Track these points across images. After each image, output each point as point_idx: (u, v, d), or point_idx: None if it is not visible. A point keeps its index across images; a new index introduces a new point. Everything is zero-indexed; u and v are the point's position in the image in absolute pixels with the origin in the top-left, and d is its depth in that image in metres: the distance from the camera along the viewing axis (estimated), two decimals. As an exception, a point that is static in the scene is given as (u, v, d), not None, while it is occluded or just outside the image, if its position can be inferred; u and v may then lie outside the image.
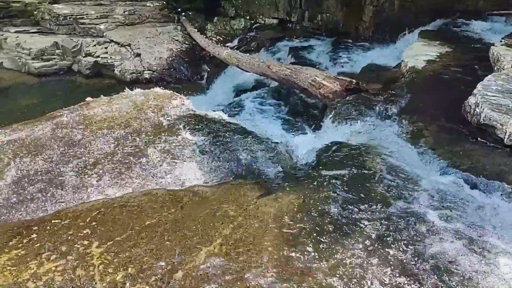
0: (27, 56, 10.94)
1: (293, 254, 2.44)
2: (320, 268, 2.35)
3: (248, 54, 8.50)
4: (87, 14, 11.88)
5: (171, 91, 5.08)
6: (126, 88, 5.13)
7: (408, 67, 5.43)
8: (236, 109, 6.83)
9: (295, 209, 2.85)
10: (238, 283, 2.25)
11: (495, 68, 4.68)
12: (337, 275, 2.30)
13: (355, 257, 2.43)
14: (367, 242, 2.53)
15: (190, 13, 12.45)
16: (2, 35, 11.44)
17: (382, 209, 2.81)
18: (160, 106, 4.56)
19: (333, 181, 3.14)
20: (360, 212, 2.78)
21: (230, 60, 8.56)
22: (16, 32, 11.50)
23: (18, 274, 2.37)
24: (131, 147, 3.72)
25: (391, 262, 2.39)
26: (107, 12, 12.13)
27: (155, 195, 3.04)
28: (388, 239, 2.55)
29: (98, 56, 10.90)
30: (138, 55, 10.62)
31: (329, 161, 3.52)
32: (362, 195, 2.96)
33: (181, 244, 2.53)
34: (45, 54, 10.97)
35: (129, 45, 10.82)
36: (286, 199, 2.96)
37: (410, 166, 3.36)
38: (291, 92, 6.86)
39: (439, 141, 3.72)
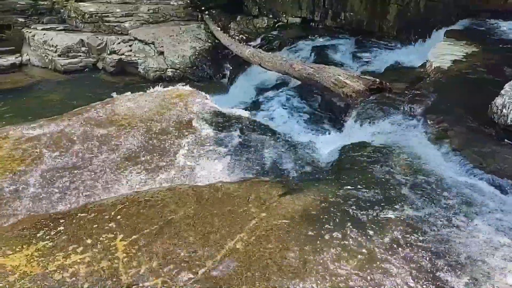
0: (53, 53, 11.15)
1: (315, 252, 2.45)
2: (342, 267, 2.34)
3: (270, 53, 8.49)
4: (112, 12, 12.03)
5: (194, 89, 5.14)
6: (151, 86, 5.20)
7: (433, 67, 5.35)
8: (258, 108, 6.82)
9: (317, 207, 2.84)
10: (260, 279, 2.26)
11: (524, 69, 4.58)
12: (360, 275, 2.29)
13: (378, 257, 2.41)
14: (391, 243, 2.51)
15: (214, 12, 12.50)
16: (30, 32, 11.67)
17: (406, 210, 2.79)
18: (183, 103, 4.61)
19: (356, 180, 3.12)
20: (383, 212, 2.76)
21: (253, 58, 8.57)
22: (43, 29, 11.71)
23: (46, 265, 2.43)
24: (155, 143, 3.77)
25: (414, 263, 2.37)
26: (131, 10, 12.26)
27: (178, 190, 3.08)
28: (411, 239, 2.53)
29: (122, 54, 11.02)
30: (162, 53, 10.72)
31: (352, 161, 3.50)
32: (385, 195, 2.94)
33: (204, 239, 2.56)
34: (71, 51, 11.16)
35: (153, 43, 10.91)
36: (308, 198, 2.96)
37: (435, 166, 3.31)
38: (313, 91, 6.83)
39: (464, 142, 3.66)
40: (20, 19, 12.24)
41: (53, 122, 4.13)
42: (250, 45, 9.96)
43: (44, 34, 11.48)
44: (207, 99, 4.90)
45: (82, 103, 4.98)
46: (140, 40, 11.09)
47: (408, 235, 2.57)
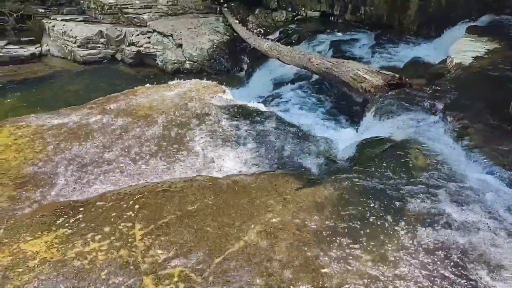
0: (73, 44, 11.27)
1: (333, 246, 2.44)
2: (360, 260, 2.34)
3: (289, 47, 8.44)
4: (131, 4, 12.10)
5: (213, 82, 5.15)
6: (169, 78, 5.23)
7: (454, 63, 5.27)
8: (275, 102, 6.80)
9: (334, 201, 2.83)
10: (276, 270, 2.27)
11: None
12: (379, 269, 2.28)
13: (396, 251, 2.40)
14: (409, 238, 2.49)
15: (232, 4, 12.50)
16: (50, 23, 11.81)
17: (424, 206, 2.76)
18: (202, 96, 4.62)
19: (374, 175, 3.10)
20: (401, 208, 2.74)
21: (271, 52, 8.54)
22: (63, 20, 11.83)
23: (65, 252, 2.47)
24: (174, 134, 3.80)
25: (432, 259, 2.35)
26: (150, 2, 12.31)
27: (196, 181, 3.09)
28: (431, 236, 2.51)
29: (141, 46, 11.09)
30: (180, 45, 10.74)
31: (370, 156, 3.47)
32: (403, 191, 2.92)
33: (221, 230, 2.57)
34: (90, 42, 11.27)
35: (172, 35, 10.94)
36: (325, 191, 2.95)
37: (454, 163, 3.27)
38: (331, 85, 6.79)
39: (484, 139, 3.61)
40: (40, 10, 12.42)
41: (74, 111, 4.19)
42: (268, 39, 9.93)
43: (64, 25, 11.61)
44: (225, 92, 4.91)
45: (101, 93, 5.02)
46: (158, 32, 11.14)
47: (427, 230, 2.54)
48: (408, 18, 9.12)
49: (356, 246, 2.45)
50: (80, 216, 2.78)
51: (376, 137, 3.82)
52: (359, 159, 3.47)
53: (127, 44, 11.24)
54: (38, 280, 2.26)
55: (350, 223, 2.62)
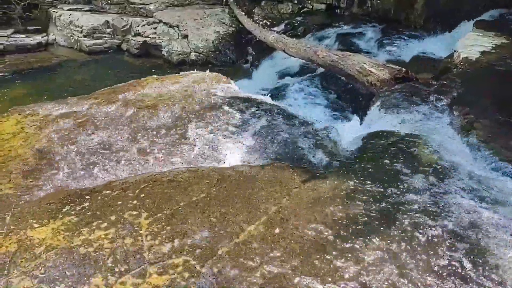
0: (79, 34, 11.28)
1: (338, 240, 2.45)
2: (364, 252, 2.35)
3: (294, 39, 8.42)
4: (138, -6, 12.10)
5: (218, 73, 5.16)
6: (175, 69, 5.24)
7: (461, 58, 5.25)
8: (280, 94, 6.81)
9: (339, 195, 2.84)
10: (281, 264, 2.28)
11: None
12: (385, 264, 2.29)
13: (402, 247, 2.41)
14: (414, 232, 2.50)
15: (238, -4, 12.46)
16: (57, 12, 11.81)
17: (429, 201, 2.76)
18: (207, 87, 4.63)
19: (380, 169, 3.11)
20: (407, 203, 2.75)
21: (277, 44, 8.52)
22: (69, 10, 11.83)
23: (71, 239, 2.49)
24: (180, 125, 3.81)
25: (435, 256, 2.36)
26: (157, -7, 12.31)
27: (201, 172, 3.11)
28: (434, 231, 2.51)
29: (147, 36, 11.08)
30: (186, 36, 10.73)
31: (375, 150, 3.48)
32: (408, 185, 2.92)
33: (226, 220, 2.59)
34: (96, 32, 11.27)
35: (178, 26, 10.93)
36: (330, 185, 2.96)
37: (460, 158, 3.27)
38: (337, 79, 6.77)
39: (491, 135, 3.60)
40: (47, -1, 12.42)
41: (80, 101, 4.21)
42: (274, 31, 9.90)
43: (70, 14, 11.61)
44: (230, 83, 4.92)
45: (107, 83, 5.04)
46: (164, 23, 11.12)
47: (431, 226, 2.55)
48: (415, 12, 9.08)
49: (360, 240, 2.46)
50: (86, 204, 2.80)
51: (382, 130, 3.82)
52: (364, 153, 3.48)
53: (133, 35, 11.24)
54: (44, 267, 2.29)
55: (355, 217, 2.63)
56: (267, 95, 5.52)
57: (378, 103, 4.51)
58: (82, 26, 11.21)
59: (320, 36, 9.69)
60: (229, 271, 2.23)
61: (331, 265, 2.27)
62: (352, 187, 2.92)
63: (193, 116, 3.98)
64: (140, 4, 11.91)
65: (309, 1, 11.50)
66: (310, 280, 2.18)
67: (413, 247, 2.39)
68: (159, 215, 2.65)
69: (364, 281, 2.17)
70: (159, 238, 2.46)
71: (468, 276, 2.21)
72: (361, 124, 4.63)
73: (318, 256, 2.32)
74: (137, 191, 2.88)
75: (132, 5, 11.91)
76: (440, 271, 2.24)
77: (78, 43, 11.30)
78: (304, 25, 10.53)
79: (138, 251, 2.38)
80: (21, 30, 11.54)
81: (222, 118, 3.99)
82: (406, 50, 7.75)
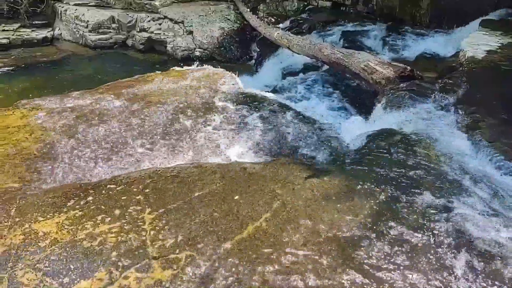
0: (84, 29, 11.29)
1: (342, 237, 2.46)
2: (369, 252, 2.36)
3: (299, 36, 8.40)
4: (144, -10, 12.09)
5: (222, 70, 5.16)
6: (179, 65, 5.25)
7: (467, 57, 5.22)
8: (285, 91, 6.78)
9: (342, 192, 2.84)
10: (283, 259, 2.29)
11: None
12: (390, 262, 2.30)
13: (405, 244, 2.41)
14: (417, 231, 2.50)
15: (243, -8, 12.44)
16: (62, 7, 11.82)
17: (432, 200, 2.76)
18: (212, 83, 4.64)
19: (384, 167, 3.10)
20: (411, 200, 2.75)
21: (281, 41, 8.50)
22: (75, 4, 11.84)
23: (75, 233, 2.50)
24: (184, 121, 3.82)
25: (436, 256, 2.36)
26: (162, -12, 12.29)
27: (205, 168, 3.12)
28: (437, 230, 2.51)
29: (152, 32, 11.07)
30: (191, 32, 10.72)
31: (379, 148, 3.47)
32: (412, 183, 2.92)
33: (229, 215, 2.60)
34: (102, 27, 11.27)
35: (182, 22, 10.92)
36: (333, 182, 2.96)
37: (464, 157, 3.27)
38: (341, 76, 6.76)
39: (496, 134, 3.59)
40: (54, -7, 12.42)
41: (86, 95, 4.22)
42: (278, 28, 9.89)
43: (76, 9, 11.61)
44: (235, 80, 4.92)
45: (112, 78, 5.06)
46: (170, 19, 11.11)
47: (434, 225, 2.55)
48: (421, 11, 9.03)
49: (366, 238, 2.46)
50: (91, 198, 2.82)
51: (386, 128, 3.82)
52: (368, 150, 3.47)
53: (138, 30, 11.23)
54: (48, 260, 2.31)
55: (359, 215, 2.63)
56: (271, 92, 5.52)
57: (383, 101, 4.50)
58: (88, 21, 11.22)
59: (325, 34, 9.65)
60: (232, 266, 2.24)
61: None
62: (355, 184, 2.92)
63: (197, 112, 3.99)
64: (146, -1, 11.92)
65: (315, -2, 11.49)
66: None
67: (420, 244, 2.39)
68: (163, 210, 2.65)
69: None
70: (162, 233, 2.47)
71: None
72: (365, 121, 4.62)
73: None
74: (141, 186, 2.89)
75: (138, 1, 11.88)
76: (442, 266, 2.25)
77: (83, 38, 11.31)
78: (309, 22, 10.49)
79: (141, 245, 2.39)
80: (27, 24, 11.56)
81: (226, 114, 3.99)
82: (411, 48, 7.72)
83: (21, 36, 11.19)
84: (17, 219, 2.62)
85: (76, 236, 2.48)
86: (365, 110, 5.48)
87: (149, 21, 11.20)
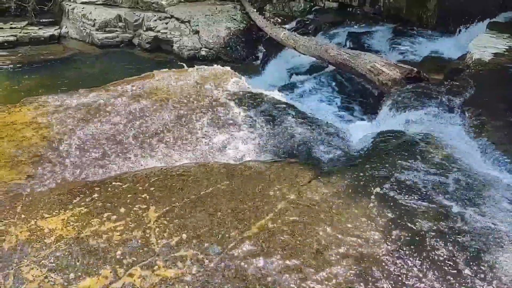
0: (91, 27, 11.34)
1: (347, 237, 2.46)
2: (375, 252, 2.35)
3: (305, 37, 8.40)
4: (150, -11, 12.12)
5: (229, 69, 5.16)
6: (185, 64, 5.26)
7: (473, 59, 5.21)
8: (290, 91, 6.79)
9: (348, 193, 2.84)
10: (289, 259, 2.29)
11: None
12: (393, 262, 2.29)
13: (412, 246, 2.40)
14: (424, 234, 2.49)
15: (250, -8, 12.45)
16: (70, 5, 11.88)
17: (437, 202, 2.75)
18: (218, 82, 4.64)
19: (389, 168, 3.09)
20: (416, 203, 2.74)
21: (287, 41, 8.51)
22: (82, 3, 11.89)
23: (81, 230, 2.51)
24: (189, 119, 3.83)
25: (440, 261, 2.35)
26: (169, -12, 12.32)
27: (210, 167, 3.12)
28: (443, 233, 2.50)
29: (158, 31, 11.11)
30: (197, 32, 10.74)
31: (385, 149, 3.47)
32: (418, 185, 2.91)
33: (234, 215, 2.60)
34: (108, 26, 11.32)
35: (189, 21, 10.94)
36: (339, 183, 2.96)
37: (470, 160, 3.25)
38: (347, 77, 6.76)
39: (503, 137, 3.57)
40: (61, -9, 12.47)
41: (92, 93, 4.24)
42: (285, 28, 9.89)
43: (83, 7, 11.67)
44: (241, 80, 4.93)
45: (118, 77, 5.07)
46: (176, 18, 11.14)
47: (440, 227, 2.54)
48: (428, 12, 9.00)
49: (373, 239, 2.46)
50: (96, 195, 2.83)
51: (392, 130, 3.81)
52: (374, 152, 3.47)
53: (145, 29, 11.26)
54: (54, 256, 2.32)
55: (366, 215, 2.62)
56: (277, 92, 5.52)
57: (389, 102, 4.49)
58: (95, 19, 11.27)
59: (331, 34, 9.65)
60: (237, 265, 2.24)
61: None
62: (361, 185, 2.91)
63: (203, 110, 4.00)
64: (153, -2, 11.95)
65: (321, -1, 11.48)
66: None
67: (427, 246, 2.39)
68: (168, 208, 2.66)
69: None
70: (167, 231, 2.48)
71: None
72: (371, 123, 4.61)
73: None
74: (147, 185, 2.90)
75: (145, 0, 11.93)
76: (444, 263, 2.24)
77: (90, 37, 11.36)
78: (316, 23, 10.49)
79: (146, 243, 2.39)
80: (35, 22, 11.63)
81: (232, 114, 4.00)
82: (417, 50, 7.70)
83: (28, 33, 11.25)
84: (23, 216, 2.64)
85: (82, 233, 2.49)
86: (371, 111, 5.47)
87: (155, 20, 11.23)
